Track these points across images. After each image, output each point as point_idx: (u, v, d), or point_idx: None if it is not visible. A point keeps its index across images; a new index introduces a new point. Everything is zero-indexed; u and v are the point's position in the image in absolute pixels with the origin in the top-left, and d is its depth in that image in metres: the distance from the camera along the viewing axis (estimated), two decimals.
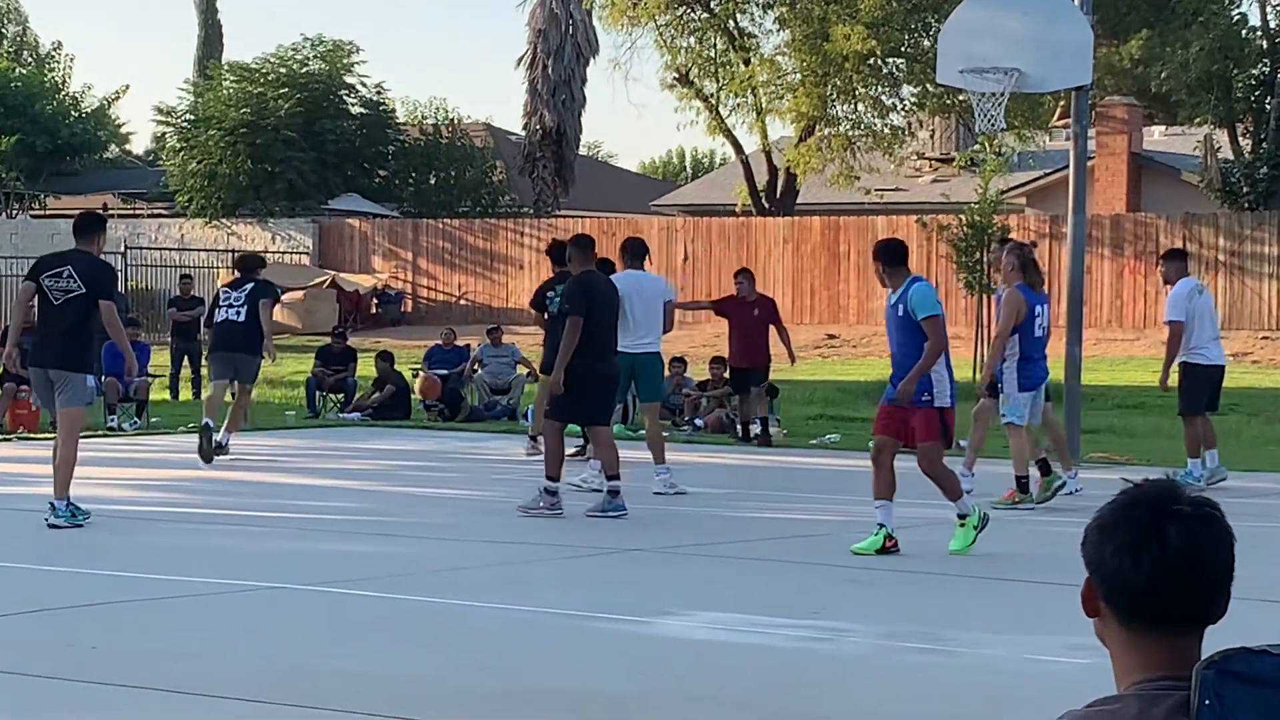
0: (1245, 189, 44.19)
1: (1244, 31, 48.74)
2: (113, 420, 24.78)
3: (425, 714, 7.76)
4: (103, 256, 15.59)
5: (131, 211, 60.25)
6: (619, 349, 16.53)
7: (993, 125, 23.31)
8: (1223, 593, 3.44)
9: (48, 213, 60.47)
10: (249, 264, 21.36)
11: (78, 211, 61.17)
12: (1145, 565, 3.39)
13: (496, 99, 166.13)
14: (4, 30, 69.27)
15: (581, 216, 50.37)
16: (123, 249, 47.13)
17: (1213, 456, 18.56)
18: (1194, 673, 3.34)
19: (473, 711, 7.81)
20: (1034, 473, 16.56)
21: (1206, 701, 3.29)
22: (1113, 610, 3.46)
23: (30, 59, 67.81)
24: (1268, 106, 45.59)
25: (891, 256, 13.96)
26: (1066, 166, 26.17)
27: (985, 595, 11.91)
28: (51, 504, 14.39)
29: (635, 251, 18.51)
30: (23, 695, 8.19)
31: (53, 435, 22.88)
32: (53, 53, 69.86)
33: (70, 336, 14.89)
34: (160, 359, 30.21)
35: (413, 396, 27.80)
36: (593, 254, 16.34)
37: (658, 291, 18.34)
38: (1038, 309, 16.66)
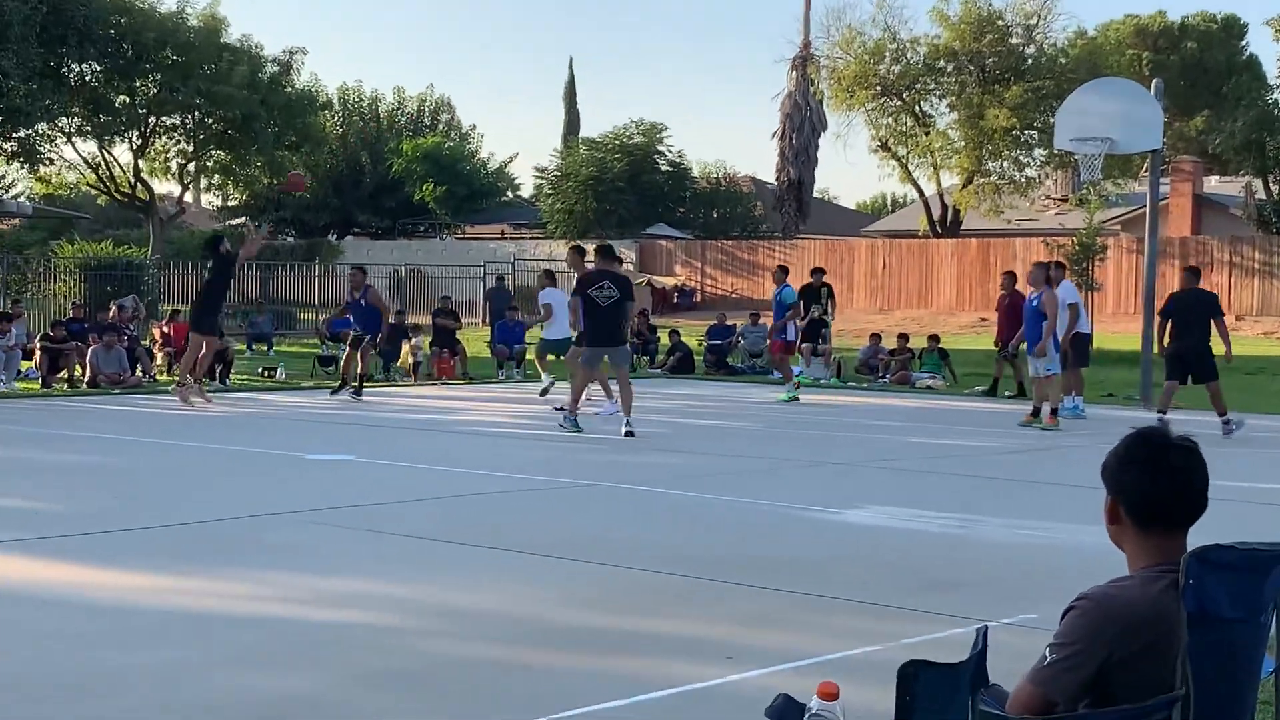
0: (1275, 220, 42.62)
1: (1276, 110, 47.65)
2: (502, 373, 25.16)
3: (681, 571, 7.74)
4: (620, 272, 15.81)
5: (518, 235, 61.12)
6: None
7: (1093, 176, 22.68)
8: (1204, 501, 3.27)
9: (464, 237, 61.64)
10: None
11: (485, 236, 61.45)
12: (1160, 482, 3.23)
13: (759, 158, 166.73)
14: (440, 116, 70.50)
15: (814, 238, 49.90)
16: (512, 260, 47.83)
17: (1077, 401, 18.15)
18: (1181, 561, 3.18)
19: (711, 569, 7.77)
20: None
21: (1190, 581, 3.14)
22: (1131, 519, 3.29)
23: (455, 135, 69.05)
24: None
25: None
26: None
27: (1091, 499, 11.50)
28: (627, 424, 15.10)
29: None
30: (440, 555, 8.33)
31: (459, 380, 23.26)
32: (469, 131, 71.09)
33: (619, 324, 15.32)
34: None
35: (681, 353, 27.72)
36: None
37: None
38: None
